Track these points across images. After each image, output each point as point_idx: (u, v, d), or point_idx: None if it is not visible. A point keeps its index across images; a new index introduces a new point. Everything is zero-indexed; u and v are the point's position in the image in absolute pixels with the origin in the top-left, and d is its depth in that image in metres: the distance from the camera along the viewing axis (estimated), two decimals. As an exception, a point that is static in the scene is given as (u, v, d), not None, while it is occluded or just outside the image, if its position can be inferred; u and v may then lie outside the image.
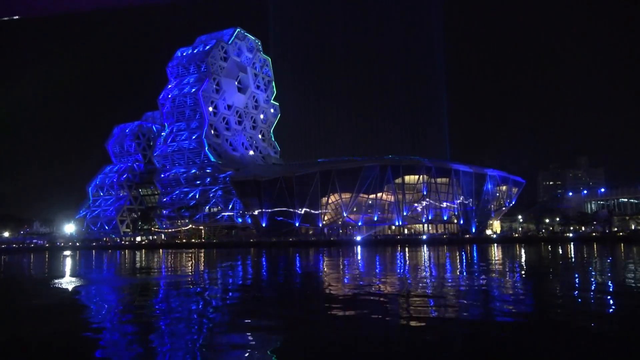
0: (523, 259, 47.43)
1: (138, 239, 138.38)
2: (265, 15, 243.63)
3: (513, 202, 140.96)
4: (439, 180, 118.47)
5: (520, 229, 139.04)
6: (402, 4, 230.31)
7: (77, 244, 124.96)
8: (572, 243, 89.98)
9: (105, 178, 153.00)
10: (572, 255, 51.84)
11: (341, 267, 41.00)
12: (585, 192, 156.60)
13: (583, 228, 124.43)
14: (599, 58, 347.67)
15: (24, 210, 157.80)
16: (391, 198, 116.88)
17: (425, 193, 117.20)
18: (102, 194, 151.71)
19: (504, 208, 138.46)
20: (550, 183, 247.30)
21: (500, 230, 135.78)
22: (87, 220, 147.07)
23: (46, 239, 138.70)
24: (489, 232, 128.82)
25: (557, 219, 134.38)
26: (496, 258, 49.17)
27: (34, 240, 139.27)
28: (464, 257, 50.81)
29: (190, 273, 36.21)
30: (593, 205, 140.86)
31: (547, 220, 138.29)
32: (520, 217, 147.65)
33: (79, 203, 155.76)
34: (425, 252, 64.99)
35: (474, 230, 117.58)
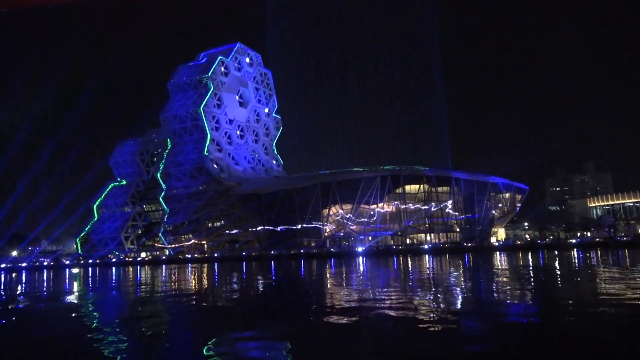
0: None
1: (142, 255, 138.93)
2: (265, 29, 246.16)
3: (517, 210, 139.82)
4: (440, 189, 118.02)
5: (527, 236, 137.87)
6: (400, 15, 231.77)
7: (82, 261, 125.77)
8: (574, 249, 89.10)
9: (109, 195, 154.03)
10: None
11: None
12: (590, 197, 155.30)
13: (588, 234, 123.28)
14: (606, 63, 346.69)
15: (30, 229, 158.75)
16: (392, 208, 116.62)
17: (426, 202, 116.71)
18: (106, 211, 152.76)
19: (508, 215, 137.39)
20: (557, 189, 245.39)
21: (505, 238, 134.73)
22: (92, 237, 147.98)
23: (52, 257, 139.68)
24: (493, 239, 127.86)
25: (563, 225, 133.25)
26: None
27: (40, 259, 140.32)
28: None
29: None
30: (599, 211, 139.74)
31: (553, 227, 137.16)
32: (526, 224, 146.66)
33: (84, 220, 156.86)
34: (429, 262, 64.64)
35: (477, 239, 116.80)
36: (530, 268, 42.62)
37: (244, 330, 16.21)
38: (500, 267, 46.15)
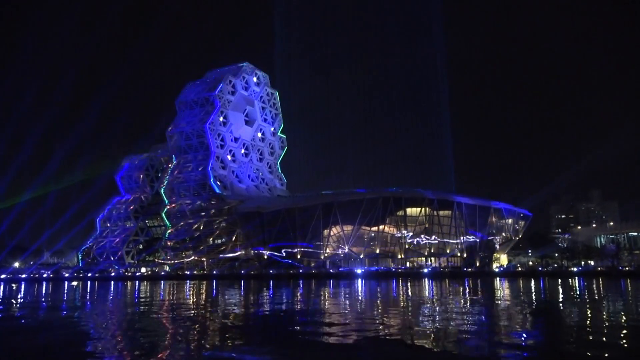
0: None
1: (142, 270, 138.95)
2: (274, 50, 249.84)
3: (520, 236, 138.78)
4: (441, 212, 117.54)
5: (530, 262, 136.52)
6: (406, 37, 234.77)
7: (81, 274, 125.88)
8: (576, 278, 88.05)
9: (113, 209, 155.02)
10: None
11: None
12: (595, 225, 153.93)
13: (592, 262, 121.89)
14: (617, 91, 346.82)
15: (33, 240, 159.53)
16: (393, 231, 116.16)
17: (427, 226, 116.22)
18: (109, 225, 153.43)
19: (510, 241, 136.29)
20: (563, 216, 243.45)
21: (508, 264, 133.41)
22: (93, 250, 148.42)
23: (53, 269, 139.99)
24: (495, 265, 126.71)
25: (566, 253, 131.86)
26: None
27: (40, 271, 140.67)
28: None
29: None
30: (602, 239, 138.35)
31: (556, 254, 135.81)
32: (529, 250, 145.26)
33: (86, 233, 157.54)
34: (429, 287, 64.14)
35: (477, 264, 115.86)
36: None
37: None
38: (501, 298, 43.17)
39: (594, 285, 59.44)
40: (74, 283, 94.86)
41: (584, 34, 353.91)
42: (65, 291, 61.83)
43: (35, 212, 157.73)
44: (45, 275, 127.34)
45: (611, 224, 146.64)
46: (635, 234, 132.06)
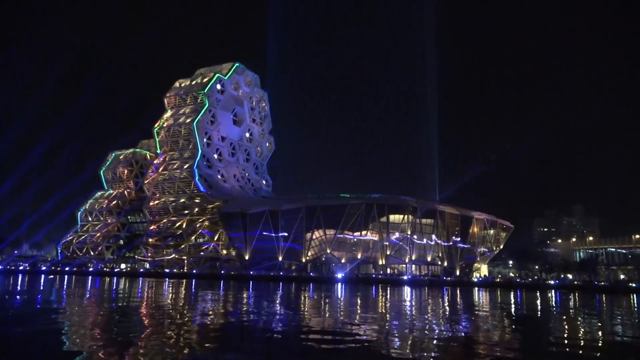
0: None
1: (122, 266, 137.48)
2: (266, 51, 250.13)
3: (501, 247, 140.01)
4: (424, 220, 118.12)
5: (510, 274, 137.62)
6: (398, 46, 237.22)
7: (58, 268, 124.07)
8: (553, 291, 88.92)
9: (95, 203, 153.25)
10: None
11: None
12: (575, 239, 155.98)
13: (570, 276, 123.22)
14: (604, 112, 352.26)
15: (11, 231, 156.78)
16: (376, 237, 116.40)
17: (409, 233, 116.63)
18: (90, 219, 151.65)
19: (491, 252, 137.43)
20: (545, 229, 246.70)
21: (488, 275, 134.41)
22: (73, 244, 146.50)
23: (30, 262, 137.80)
24: (475, 275, 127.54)
25: (546, 266, 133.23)
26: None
27: (17, 263, 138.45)
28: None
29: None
30: (582, 254, 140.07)
31: (536, 267, 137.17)
32: (510, 262, 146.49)
33: (67, 227, 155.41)
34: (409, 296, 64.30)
35: (457, 273, 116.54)
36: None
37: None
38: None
39: (571, 300, 60.19)
40: (50, 277, 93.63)
41: (575, 50, 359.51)
42: (40, 286, 60.91)
43: (16, 202, 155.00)
44: (21, 268, 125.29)
45: (590, 238, 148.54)
46: (613, 249, 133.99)
